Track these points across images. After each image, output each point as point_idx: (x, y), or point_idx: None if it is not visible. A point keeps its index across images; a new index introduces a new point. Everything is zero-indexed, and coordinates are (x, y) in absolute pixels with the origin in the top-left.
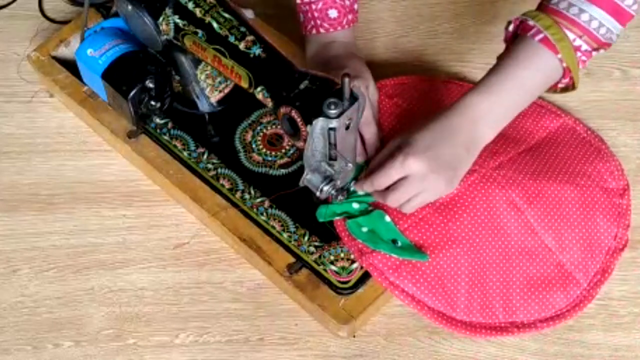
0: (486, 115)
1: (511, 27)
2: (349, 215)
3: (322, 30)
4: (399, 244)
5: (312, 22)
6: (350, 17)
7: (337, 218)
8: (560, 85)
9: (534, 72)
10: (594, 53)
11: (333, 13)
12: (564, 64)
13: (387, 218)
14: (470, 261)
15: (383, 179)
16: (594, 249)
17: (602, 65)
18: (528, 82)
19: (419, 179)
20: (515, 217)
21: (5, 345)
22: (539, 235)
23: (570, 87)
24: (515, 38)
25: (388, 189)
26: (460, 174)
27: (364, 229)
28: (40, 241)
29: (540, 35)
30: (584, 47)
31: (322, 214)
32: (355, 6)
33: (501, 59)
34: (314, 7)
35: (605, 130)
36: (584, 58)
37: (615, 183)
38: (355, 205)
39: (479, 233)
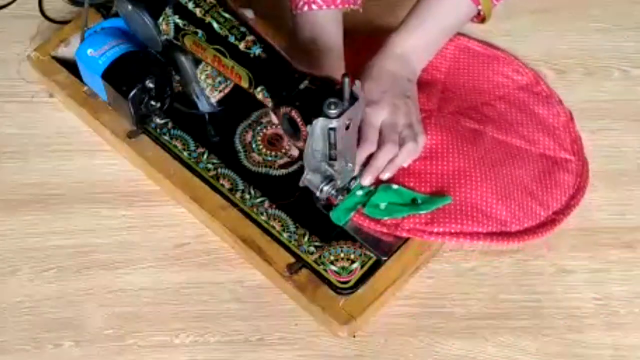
0: (410, 51)
1: None
2: (361, 204)
3: (314, 7)
4: (419, 201)
5: None
6: None
7: (353, 213)
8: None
9: (454, 17)
10: None
11: None
12: (482, 12)
13: (394, 185)
14: (483, 184)
15: (370, 131)
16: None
17: (602, 65)
18: (447, 25)
19: (390, 119)
20: (480, 135)
21: (5, 345)
22: (510, 141)
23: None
24: None
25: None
26: (415, 98)
27: (382, 206)
28: (40, 241)
29: None
30: None
31: (338, 217)
32: None
33: (422, 2)
34: None
35: (605, 130)
36: (496, 2)
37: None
38: (360, 192)
39: (470, 160)
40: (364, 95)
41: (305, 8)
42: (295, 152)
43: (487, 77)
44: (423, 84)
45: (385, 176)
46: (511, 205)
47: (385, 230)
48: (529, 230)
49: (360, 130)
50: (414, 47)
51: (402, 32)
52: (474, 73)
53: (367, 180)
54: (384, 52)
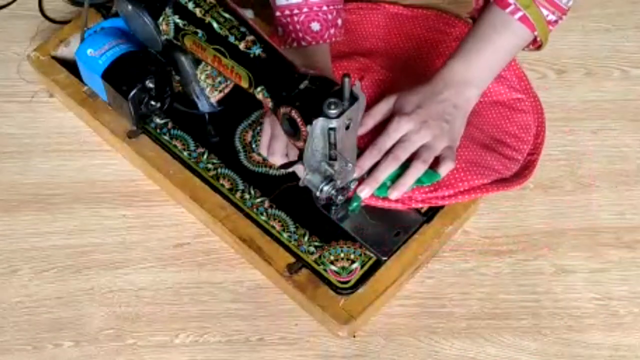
0: (469, 79)
1: None
2: None
3: (303, 43)
4: None
5: (294, 35)
6: (332, 31)
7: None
8: (526, 49)
9: (511, 45)
10: (559, 21)
11: (315, 26)
12: (538, 37)
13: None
14: (465, 142)
15: (386, 140)
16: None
17: (602, 65)
18: (504, 52)
19: (415, 133)
20: None
21: (6, 345)
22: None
23: (539, 48)
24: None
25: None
26: (455, 128)
27: (389, 184)
28: (40, 241)
29: (519, 14)
30: (553, 18)
31: (351, 202)
32: (339, 21)
33: (478, 29)
34: (295, 19)
35: (605, 130)
36: (551, 27)
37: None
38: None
39: None
40: (364, 96)
41: (295, 44)
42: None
43: (423, 37)
44: (366, 55)
45: (393, 196)
46: (494, 155)
47: (400, 206)
48: (518, 174)
49: (378, 137)
50: (471, 76)
51: (459, 60)
52: (410, 36)
53: (363, 192)
54: (439, 77)
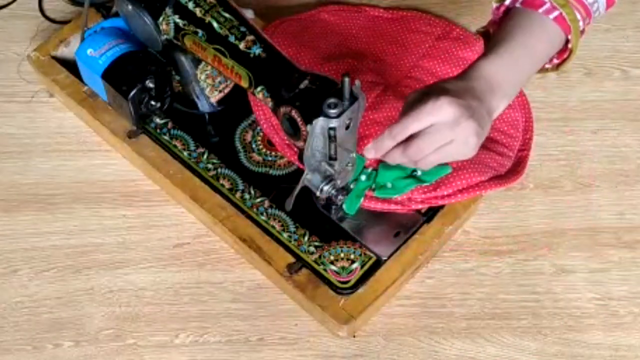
0: (501, 84)
1: (508, 1)
2: (368, 187)
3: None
4: (419, 172)
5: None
6: None
7: (362, 199)
8: (556, 61)
9: (545, 45)
10: (586, 30)
11: None
12: (571, 42)
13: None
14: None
15: (413, 123)
16: None
17: (602, 65)
18: (538, 54)
19: (450, 126)
20: None
21: (5, 345)
22: None
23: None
24: (509, 11)
25: (408, 141)
26: (483, 137)
27: (389, 185)
28: (40, 241)
29: (555, 13)
30: (582, 26)
31: (349, 206)
32: None
33: (509, 29)
34: None
35: (605, 130)
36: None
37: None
38: (363, 177)
39: None
40: (364, 95)
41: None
42: None
43: (406, 38)
44: (354, 57)
45: (370, 155)
46: (487, 153)
47: (400, 208)
48: (512, 170)
49: (414, 106)
50: (503, 80)
51: (491, 60)
52: (393, 38)
53: (369, 153)
54: (472, 75)
